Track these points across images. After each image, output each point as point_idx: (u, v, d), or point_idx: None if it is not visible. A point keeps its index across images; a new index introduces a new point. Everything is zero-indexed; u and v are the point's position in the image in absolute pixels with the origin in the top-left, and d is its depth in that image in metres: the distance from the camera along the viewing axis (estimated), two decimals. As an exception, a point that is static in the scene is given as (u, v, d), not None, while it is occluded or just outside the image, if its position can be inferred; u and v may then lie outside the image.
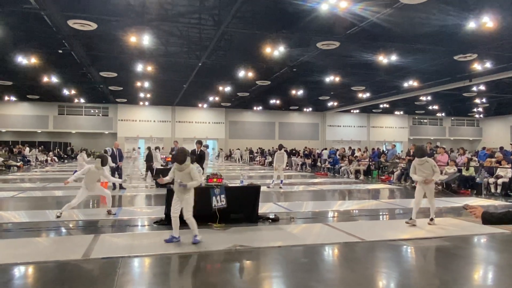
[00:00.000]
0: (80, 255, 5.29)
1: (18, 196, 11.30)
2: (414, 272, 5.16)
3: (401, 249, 6.12)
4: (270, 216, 7.98)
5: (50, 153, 31.32)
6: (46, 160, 28.64)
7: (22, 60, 18.70)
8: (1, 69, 21.80)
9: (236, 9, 12.10)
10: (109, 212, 8.34)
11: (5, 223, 7.45)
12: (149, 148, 15.83)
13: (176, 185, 5.89)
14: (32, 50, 17.82)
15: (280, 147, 14.23)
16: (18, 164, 22.99)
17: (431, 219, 7.50)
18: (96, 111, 40.20)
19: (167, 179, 6.17)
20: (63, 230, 7.25)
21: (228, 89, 27.49)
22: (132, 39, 14.97)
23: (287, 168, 25.82)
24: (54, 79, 24.61)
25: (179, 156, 5.95)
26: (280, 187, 13.40)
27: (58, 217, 7.78)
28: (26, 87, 28.31)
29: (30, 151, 28.33)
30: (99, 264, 5.05)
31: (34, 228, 7.07)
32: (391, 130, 46.88)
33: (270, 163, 29.20)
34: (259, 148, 35.43)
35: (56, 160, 31.03)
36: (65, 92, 30.53)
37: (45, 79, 24.26)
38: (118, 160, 12.20)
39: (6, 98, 34.77)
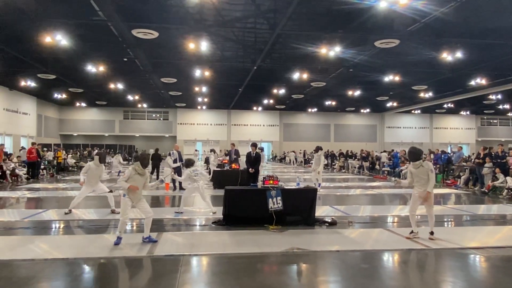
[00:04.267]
0: (145, 252, 5.57)
1: (88, 195, 12.09)
2: (485, 282, 4.79)
3: (470, 258, 5.72)
4: (327, 220, 7.83)
5: (117, 155, 33.27)
6: (113, 162, 30.47)
7: (91, 68, 20.21)
8: (73, 78, 23.65)
9: (291, 11, 12.08)
10: (113, 211, 8.63)
11: (76, 220, 8.04)
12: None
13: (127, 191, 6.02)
14: (99, 59, 19.14)
15: (317, 149, 13.74)
16: (88, 165, 24.68)
17: (431, 233, 6.45)
18: (158, 115, 42.14)
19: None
20: (128, 227, 7.66)
21: (282, 91, 27.52)
22: (191, 45, 15.51)
23: (343, 171, 25.35)
24: (120, 86, 26.23)
25: (145, 160, 6.17)
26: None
27: (66, 213, 8.38)
28: (95, 93, 30.43)
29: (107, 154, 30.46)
30: (162, 261, 5.28)
31: (102, 225, 7.55)
32: (457, 131, 44.08)
33: (326, 166, 28.85)
34: (314, 150, 34.95)
35: (122, 161, 32.87)
36: (130, 97, 32.39)
37: (112, 85, 25.95)
38: (178, 162, 12.69)
39: (77, 104, 37.62)
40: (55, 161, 21.04)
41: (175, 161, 12.46)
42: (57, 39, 14.62)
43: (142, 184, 6.15)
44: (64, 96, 31.45)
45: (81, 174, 8.63)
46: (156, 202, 10.86)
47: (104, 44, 16.54)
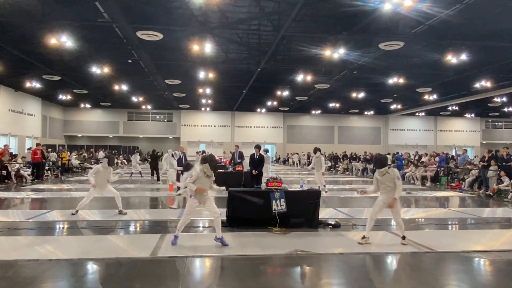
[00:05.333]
0: (148, 253, 5.58)
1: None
2: (489, 286, 4.76)
3: (475, 261, 5.67)
4: (331, 222, 7.81)
5: (120, 156, 33.42)
6: (117, 163, 30.57)
7: (96, 70, 20.31)
8: (78, 79, 23.78)
9: (295, 13, 12.09)
10: (120, 212, 8.66)
11: (80, 221, 8.07)
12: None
13: None
14: (104, 60, 19.24)
15: (315, 150, 13.48)
16: (92, 166, 24.77)
17: (403, 237, 6.30)
18: (162, 116, 42.27)
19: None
20: (132, 228, 7.68)
21: (286, 93, 27.52)
22: (195, 47, 15.56)
23: (347, 173, 25.26)
24: (124, 87, 26.34)
25: (213, 162, 6.22)
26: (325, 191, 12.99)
27: (73, 214, 8.39)
28: (99, 95, 30.58)
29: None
30: (166, 262, 5.29)
31: (107, 226, 7.57)
32: (461, 134, 43.89)
33: (329, 168, 28.79)
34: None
35: (126, 163, 33.03)
36: (134, 99, 32.52)
37: (116, 87, 26.06)
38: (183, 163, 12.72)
39: (82, 105, 37.81)
40: (59, 162, 21.12)
41: (178, 162, 12.45)
42: (62, 40, 14.71)
43: (209, 186, 6.18)
44: (68, 97, 31.62)
45: (90, 176, 8.67)
46: (158, 203, 10.87)
47: (109, 45, 16.62)
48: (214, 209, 6.08)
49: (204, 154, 17.22)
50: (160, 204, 11.29)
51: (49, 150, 22.69)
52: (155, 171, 16.85)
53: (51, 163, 20.48)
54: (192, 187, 5.96)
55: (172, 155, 12.62)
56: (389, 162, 21.70)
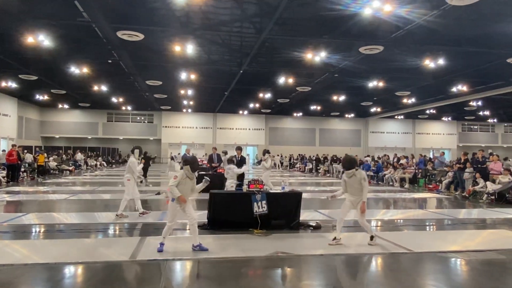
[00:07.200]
0: (127, 257, 5.49)
1: (70, 199, 11.92)
2: (465, 285, 4.89)
3: (452, 261, 5.81)
4: (312, 224, 7.86)
5: (100, 158, 32.85)
6: (96, 165, 30.05)
7: (74, 70, 19.90)
8: (56, 79, 23.23)
9: (277, 16, 12.15)
10: (120, 216, 8.48)
11: (57, 224, 7.89)
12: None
13: None
14: (83, 60, 18.86)
15: (264, 152, 13.25)
16: (70, 168, 24.32)
17: (371, 238, 6.35)
18: (142, 118, 41.73)
19: None
20: (111, 231, 7.55)
21: (268, 95, 27.60)
22: (177, 48, 15.44)
23: (328, 175, 25.51)
24: (104, 88, 25.87)
25: (195, 163, 6.15)
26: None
27: (118, 216, 8.29)
28: (78, 95, 29.93)
29: (87, 157, 30.08)
30: (145, 266, 5.21)
31: (84, 229, 7.41)
32: (439, 137, 44.94)
33: (311, 170, 29.02)
34: (299, 154, 35.25)
35: (105, 165, 32.49)
36: (114, 100, 32.01)
37: (96, 87, 25.58)
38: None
39: (60, 106, 36.95)
40: (35, 164, 20.60)
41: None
42: (40, 39, 14.38)
43: (191, 188, 5.99)
44: (46, 97, 30.87)
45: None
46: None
47: (88, 45, 16.30)
48: (192, 214, 5.90)
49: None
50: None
51: (25, 151, 22.08)
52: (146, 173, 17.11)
53: (27, 164, 19.95)
54: (176, 193, 5.74)
55: (172, 158, 12.70)
56: (357, 164, 22.09)
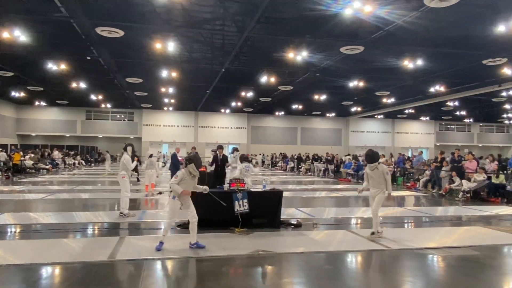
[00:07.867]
0: (106, 257, 5.40)
1: (47, 198, 11.64)
2: (442, 282, 5.00)
3: (428, 258, 5.94)
4: (293, 222, 7.92)
5: (78, 156, 32.20)
6: (74, 164, 29.45)
7: (52, 66, 19.40)
8: (32, 75, 22.61)
9: (259, 15, 12.16)
10: (123, 215, 8.41)
11: (34, 224, 7.70)
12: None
13: None
14: (61, 56, 18.42)
15: (233, 150, 13.39)
16: (47, 167, 23.74)
17: (372, 233, 6.69)
18: (122, 116, 41.09)
19: None
20: (89, 231, 7.41)
21: (250, 94, 27.60)
22: (158, 45, 15.25)
23: (309, 174, 25.71)
24: (82, 85, 25.32)
25: (199, 161, 6.17)
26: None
27: (124, 215, 8.22)
28: (55, 92, 29.22)
29: (65, 156, 29.40)
30: (124, 266, 5.14)
31: (62, 229, 7.25)
32: (417, 136, 45.88)
33: (292, 169, 29.19)
34: (281, 153, 35.41)
35: (83, 163, 31.87)
36: (93, 97, 31.36)
37: (74, 84, 25.01)
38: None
39: (37, 103, 36.00)
40: (10, 163, 20.03)
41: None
42: (16, 35, 13.96)
43: (193, 186, 6.05)
44: (22, 94, 29.97)
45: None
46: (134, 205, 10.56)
47: (66, 41, 15.91)
48: (194, 213, 5.94)
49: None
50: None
51: (0, 149, 21.46)
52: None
53: (1, 163, 19.38)
54: (178, 189, 5.76)
55: (151, 155, 12.66)
56: (347, 161, 22.35)
